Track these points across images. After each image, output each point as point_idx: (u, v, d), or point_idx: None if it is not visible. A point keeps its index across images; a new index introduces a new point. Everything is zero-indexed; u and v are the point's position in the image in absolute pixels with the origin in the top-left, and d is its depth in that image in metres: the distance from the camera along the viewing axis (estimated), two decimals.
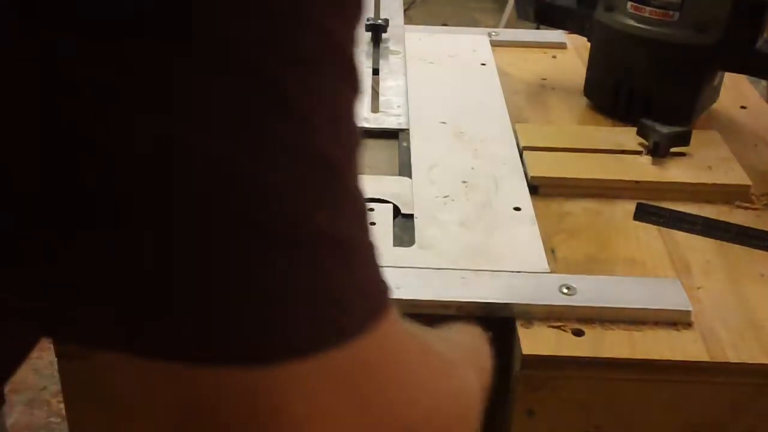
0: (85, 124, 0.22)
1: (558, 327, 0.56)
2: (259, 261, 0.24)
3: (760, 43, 0.77)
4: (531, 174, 0.72)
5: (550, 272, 0.61)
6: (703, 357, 0.54)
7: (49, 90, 0.22)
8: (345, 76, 0.27)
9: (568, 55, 1.00)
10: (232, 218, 0.24)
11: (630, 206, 0.70)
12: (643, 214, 0.69)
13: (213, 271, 0.24)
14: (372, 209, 0.67)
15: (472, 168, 0.74)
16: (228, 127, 0.24)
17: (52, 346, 0.67)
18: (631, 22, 0.80)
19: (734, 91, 0.92)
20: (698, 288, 0.61)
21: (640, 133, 0.77)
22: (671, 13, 0.78)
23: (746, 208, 0.71)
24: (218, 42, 0.23)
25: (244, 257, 0.24)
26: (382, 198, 0.69)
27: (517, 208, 0.68)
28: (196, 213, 0.24)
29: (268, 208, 0.24)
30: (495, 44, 1.01)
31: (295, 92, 0.25)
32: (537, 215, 0.68)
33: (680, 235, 0.67)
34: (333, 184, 0.26)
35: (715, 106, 0.87)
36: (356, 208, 0.28)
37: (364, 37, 0.95)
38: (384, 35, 0.97)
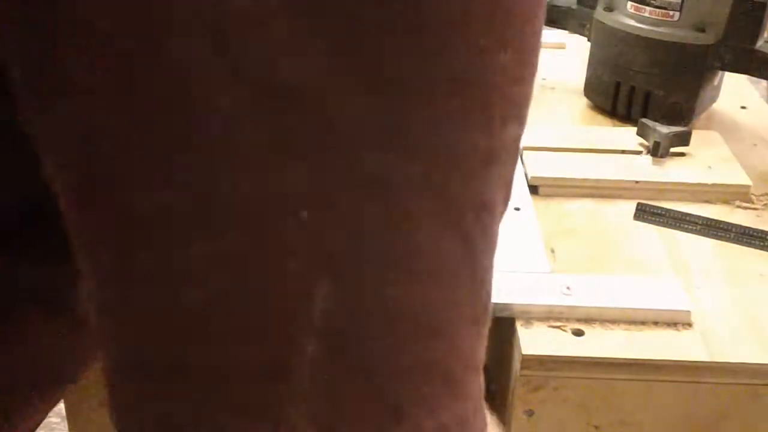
0: None
1: (558, 327, 0.56)
2: (428, 405, 0.26)
3: (760, 43, 0.77)
4: (531, 174, 0.72)
5: (550, 272, 0.61)
6: (703, 357, 0.54)
7: None
8: (505, 211, 0.28)
9: (568, 55, 1.00)
10: (421, 359, 0.25)
11: (630, 206, 0.70)
12: (643, 214, 0.69)
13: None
14: None
15: None
16: (429, 277, 0.25)
17: None
18: (631, 22, 0.80)
19: (734, 91, 0.92)
20: (698, 288, 0.61)
21: (640, 133, 0.77)
22: (671, 13, 0.78)
23: (746, 208, 0.71)
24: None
25: (422, 401, 0.26)
26: None
27: (516, 209, 0.68)
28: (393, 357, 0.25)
29: (442, 351, 0.26)
30: None
31: (479, 245, 0.26)
32: (537, 215, 0.68)
33: (680, 235, 0.67)
34: (484, 308, 0.28)
35: (715, 106, 0.87)
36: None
37: None
38: None
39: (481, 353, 0.28)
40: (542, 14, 0.26)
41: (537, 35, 0.26)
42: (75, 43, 0.22)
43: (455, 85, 0.24)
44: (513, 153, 0.27)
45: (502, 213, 0.28)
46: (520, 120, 0.27)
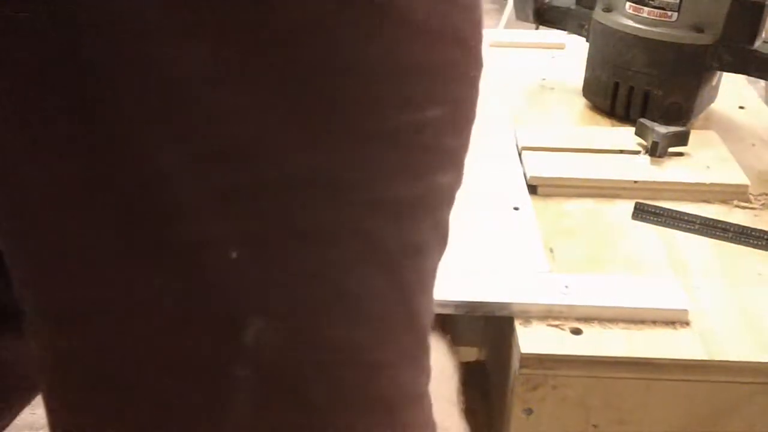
0: None
1: (557, 326, 0.56)
2: None
3: (758, 44, 0.78)
4: (530, 174, 0.73)
5: (549, 271, 0.61)
6: (701, 356, 0.55)
7: None
8: (442, 252, 0.29)
9: (567, 56, 1.00)
10: (358, 391, 0.26)
11: (628, 206, 0.70)
12: (641, 213, 0.70)
13: None
14: None
15: (472, 168, 0.74)
16: (356, 319, 0.25)
17: None
18: (630, 23, 0.80)
19: (732, 91, 0.92)
20: (696, 287, 0.61)
21: (638, 133, 0.77)
22: (669, 13, 0.78)
23: (744, 207, 0.71)
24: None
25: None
26: None
27: (516, 208, 0.69)
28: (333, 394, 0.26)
29: (380, 383, 0.27)
30: (494, 44, 1.01)
31: (412, 283, 0.27)
32: (536, 215, 0.68)
33: (679, 235, 0.68)
34: (422, 342, 0.29)
35: (713, 106, 0.87)
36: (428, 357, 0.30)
37: None
38: None
39: (423, 383, 0.29)
40: (477, 67, 0.28)
41: (471, 89, 0.28)
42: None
43: (386, 137, 0.25)
44: (447, 199, 0.28)
45: (440, 252, 0.29)
46: (454, 168, 0.28)
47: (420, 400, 0.29)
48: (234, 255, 0.24)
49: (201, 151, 0.23)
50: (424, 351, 0.29)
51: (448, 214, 0.29)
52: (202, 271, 0.24)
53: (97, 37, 0.22)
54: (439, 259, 0.29)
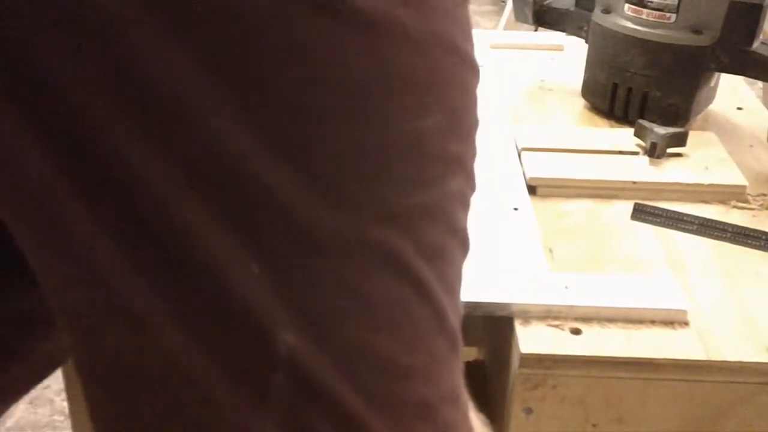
0: None
1: (556, 326, 0.57)
2: None
3: (756, 45, 0.78)
4: (529, 175, 0.73)
5: (548, 271, 0.62)
6: (700, 356, 0.55)
7: None
8: (464, 255, 0.29)
9: (566, 57, 1.00)
10: (393, 396, 0.26)
11: (627, 206, 0.71)
12: (640, 214, 0.70)
13: None
14: None
15: None
16: (384, 321, 0.26)
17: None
18: (629, 24, 0.80)
19: (730, 92, 0.92)
20: (695, 287, 0.62)
21: (637, 134, 0.77)
22: (668, 15, 0.78)
23: (742, 208, 0.72)
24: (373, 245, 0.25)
25: None
26: None
27: (515, 209, 0.69)
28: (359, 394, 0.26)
29: (415, 387, 0.27)
30: (494, 46, 1.02)
31: (435, 287, 0.27)
32: (535, 215, 0.68)
33: (677, 235, 0.68)
34: (452, 341, 0.28)
35: (711, 107, 0.88)
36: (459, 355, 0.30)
37: None
38: None
39: (457, 382, 0.29)
40: (472, 72, 0.28)
41: (467, 94, 0.28)
42: None
43: (386, 148, 0.25)
44: (460, 204, 0.29)
45: (463, 256, 0.29)
46: (462, 173, 0.29)
47: (456, 399, 0.29)
48: (256, 270, 0.24)
49: (187, 164, 0.23)
50: (455, 351, 0.29)
51: (464, 219, 0.29)
52: (230, 286, 0.24)
53: (78, 32, 0.22)
54: (462, 264, 0.29)
